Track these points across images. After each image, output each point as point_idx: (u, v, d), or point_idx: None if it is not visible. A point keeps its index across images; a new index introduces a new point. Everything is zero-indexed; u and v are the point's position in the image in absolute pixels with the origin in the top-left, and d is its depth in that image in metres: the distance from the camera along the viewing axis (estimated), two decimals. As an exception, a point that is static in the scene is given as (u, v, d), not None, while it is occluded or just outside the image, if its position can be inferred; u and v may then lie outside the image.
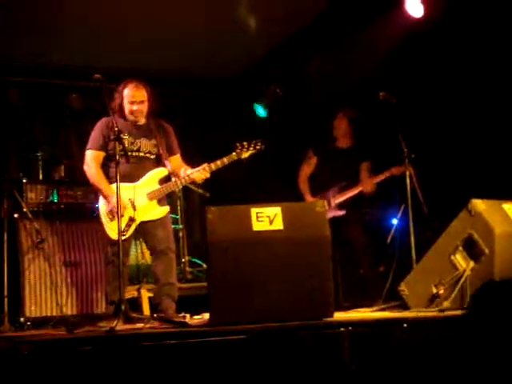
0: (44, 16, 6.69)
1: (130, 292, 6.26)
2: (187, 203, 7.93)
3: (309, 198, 6.73)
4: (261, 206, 4.71)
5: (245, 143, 5.38)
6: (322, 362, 4.02)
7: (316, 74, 7.55)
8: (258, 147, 5.42)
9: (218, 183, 8.03)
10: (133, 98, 5.41)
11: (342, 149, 6.84)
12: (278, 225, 4.63)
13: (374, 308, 5.77)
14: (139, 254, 6.55)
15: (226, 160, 5.36)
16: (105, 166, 5.48)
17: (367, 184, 6.58)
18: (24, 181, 6.06)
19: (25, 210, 5.84)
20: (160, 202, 5.46)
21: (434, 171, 6.62)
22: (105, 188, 5.35)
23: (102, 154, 5.45)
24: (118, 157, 4.96)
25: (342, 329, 4.17)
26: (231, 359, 3.93)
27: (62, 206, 6.18)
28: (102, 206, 5.42)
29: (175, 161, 5.62)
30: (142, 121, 5.49)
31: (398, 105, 5.91)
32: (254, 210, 4.66)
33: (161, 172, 5.47)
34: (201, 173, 5.37)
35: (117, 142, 4.98)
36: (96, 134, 5.47)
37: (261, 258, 4.56)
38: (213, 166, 5.36)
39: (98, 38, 7.14)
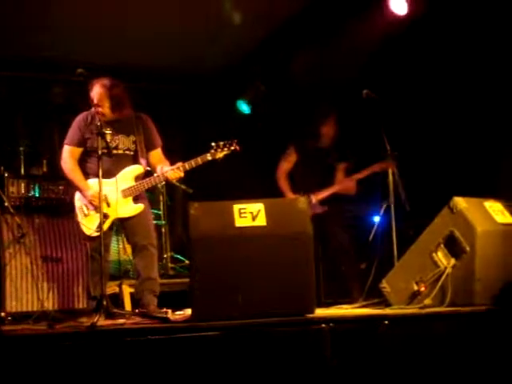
0: (29, 10, 6.65)
1: (112, 287, 6.25)
2: (170, 199, 7.91)
3: (290, 195, 6.72)
4: (244, 202, 4.71)
5: (220, 143, 5.37)
6: (304, 357, 4.03)
7: (299, 70, 7.55)
8: (232, 148, 5.41)
9: (201, 179, 8.06)
10: (95, 98, 5.38)
11: (323, 148, 6.83)
12: (261, 221, 4.63)
13: (356, 305, 5.79)
14: (121, 249, 6.55)
15: (199, 160, 5.36)
16: (82, 162, 5.52)
17: (343, 184, 6.65)
18: (5, 175, 6.02)
19: (6, 204, 5.79)
20: (136, 199, 5.47)
21: (416, 169, 6.66)
22: (80, 183, 5.43)
23: (78, 150, 5.50)
24: (100, 151, 4.97)
25: (324, 325, 4.18)
26: (212, 355, 3.94)
27: (44, 201, 6.14)
28: (76, 201, 5.49)
29: (155, 155, 5.63)
30: (114, 117, 5.46)
31: (381, 102, 5.92)
32: (236, 206, 4.66)
33: (137, 169, 5.49)
34: (175, 171, 5.37)
35: (99, 137, 4.98)
36: (73, 129, 5.51)
37: (243, 254, 4.56)
38: (186, 165, 5.36)
39: (83, 33, 7.11)
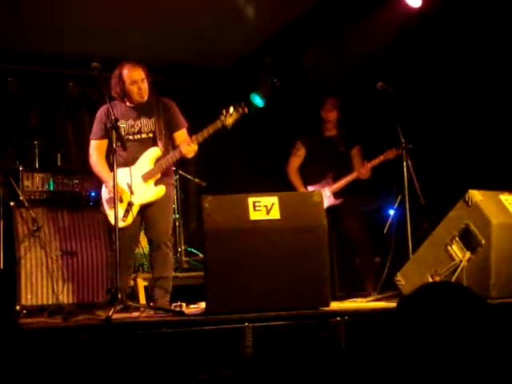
0: (42, 3, 6.67)
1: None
2: (183, 192, 7.91)
3: (303, 190, 6.68)
4: (258, 195, 4.71)
5: (229, 108, 5.30)
6: (319, 350, 4.03)
7: (313, 63, 7.53)
8: (240, 111, 5.34)
9: (214, 173, 8.06)
10: (133, 78, 5.39)
11: (330, 137, 6.81)
12: (275, 214, 4.63)
13: (370, 298, 5.78)
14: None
15: (210, 129, 5.30)
16: (109, 153, 5.45)
17: (362, 170, 6.55)
18: (20, 169, 6.04)
19: (21, 198, 5.83)
20: (157, 183, 5.40)
21: (431, 161, 6.62)
22: (103, 175, 5.42)
23: (102, 142, 5.49)
24: (114, 145, 4.96)
25: (339, 318, 4.18)
26: (226, 348, 3.94)
27: (58, 195, 6.16)
28: (103, 193, 5.49)
29: (180, 136, 5.53)
30: (145, 99, 5.46)
31: (395, 95, 5.90)
32: (251, 200, 4.66)
33: (154, 151, 5.41)
34: (188, 145, 5.28)
35: (113, 131, 4.98)
36: (96, 122, 5.54)
37: (257, 247, 4.56)
38: (199, 137, 5.29)
39: (94, 26, 7.11)
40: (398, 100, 5.89)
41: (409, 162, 5.93)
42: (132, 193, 5.29)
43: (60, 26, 7.04)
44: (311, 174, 6.78)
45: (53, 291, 5.83)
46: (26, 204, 5.81)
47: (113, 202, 5.17)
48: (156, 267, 5.43)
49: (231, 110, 5.31)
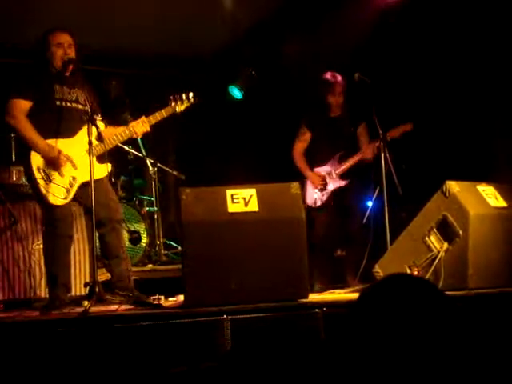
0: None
1: (105, 274, 6.21)
2: (162, 185, 7.89)
3: (309, 173, 6.55)
4: (236, 187, 4.69)
5: (178, 96, 5.21)
6: (297, 342, 4.03)
7: (291, 55, 7.52)
8: (192, 100, 5.27)
9: (193, 165, 8.04)
10: (59, 41, 4.98)
11: (336, 118, 6.61)
12: (253, 206, 4.62)
13: (349, 289, 5.79)
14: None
15: (164, 112, 5.16)
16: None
17: (367, 150, 6.34)
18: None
19: (-3, 191, 5.78)
20: (101, 161, 5.00)
21: (409, 153, 6.64)
22: (35, 137, 4.84)
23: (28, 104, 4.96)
24: (89, 136, 4.70)
25: (317, 310, 4.18)
26: (204, 340, 3.93)
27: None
28: (33, 161, 4.83)
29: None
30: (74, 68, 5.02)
31: (373, 86, 5.90)
32: (229, 192, 4.65)
33: (99, 126, 4.86)
34: (141, 125, 5.07)
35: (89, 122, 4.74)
36: (25, 80, 5.07)
37: (236, 239, 4.55)
38: (151, 118, 5.11)
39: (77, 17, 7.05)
40: (375, 91, 5.89)
41: (386, 154, 5.94)
42: (75, 167, 4.91)
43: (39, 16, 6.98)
44: (317, 156, 6.61)
45: (30, 285, 5.79)
46: (3, 197, 5.76)
47: (49, 174, 4.79)
48: (120, 247, 5.08)
49: (183, 97, 5.23)
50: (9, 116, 4.85)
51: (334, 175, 6.47)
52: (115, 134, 5.07)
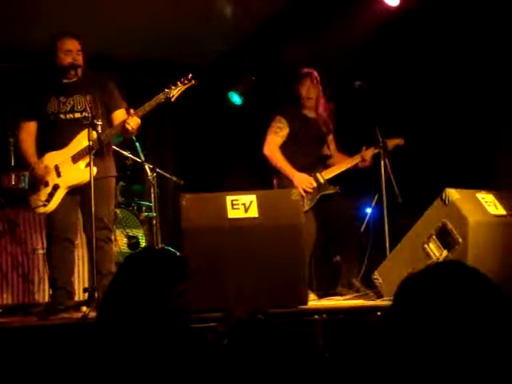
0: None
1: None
2: (161, 191, 7.87)
3: (295, 174, 5.90)
4: (236, 193, 4.70)
5: (176, 82, 5.04)
6: (296, 349, 4.02)
7: (291, 61, 7.51)
8: (187, 82, 5.05)
9: (192, 171, 8.03)
10: (67, 48, 5.00)
11: (312, 118, 6.17)
12: (253, 212, 4.62)
13: (348, 296, 5.78)
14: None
15: (153, 102, 4.97)
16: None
17: (367, 154, 6.04)
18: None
19: (-4, 196, 5.78)
20: (88, 165, 4.84)
21: (409, 160, 6.64)
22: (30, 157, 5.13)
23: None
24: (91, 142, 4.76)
25: (317, 316, 4.17)
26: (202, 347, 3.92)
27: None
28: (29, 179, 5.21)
29: (120, 115, 5.12)
30: (78, 75, 5.03)
31: (373, 93, 5.90)
32: (229, 198, 4.65)
33: (91, 133, 4.78)
34: (130, 118, 4.89)
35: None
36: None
37: (235, 245, 4.56)
38: (139, 111, 4.94)
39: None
40: (376, 98, 5.89)
41: (386, 161, 5.93)
42: (59, 175, 4.98)
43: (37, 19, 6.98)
44: (296, 158, 6.00)
45: (29, 290, 5.78)
46: (2, 201, 5.75)
47: (37, 184, 4.98)
48: (102, 263, 4.97)
49: (178, 83, 5.04)
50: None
51: (322, 180, 5.98)
52: (104, 134, 4.95)
